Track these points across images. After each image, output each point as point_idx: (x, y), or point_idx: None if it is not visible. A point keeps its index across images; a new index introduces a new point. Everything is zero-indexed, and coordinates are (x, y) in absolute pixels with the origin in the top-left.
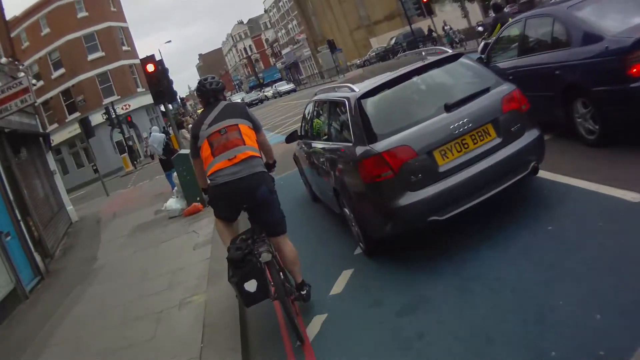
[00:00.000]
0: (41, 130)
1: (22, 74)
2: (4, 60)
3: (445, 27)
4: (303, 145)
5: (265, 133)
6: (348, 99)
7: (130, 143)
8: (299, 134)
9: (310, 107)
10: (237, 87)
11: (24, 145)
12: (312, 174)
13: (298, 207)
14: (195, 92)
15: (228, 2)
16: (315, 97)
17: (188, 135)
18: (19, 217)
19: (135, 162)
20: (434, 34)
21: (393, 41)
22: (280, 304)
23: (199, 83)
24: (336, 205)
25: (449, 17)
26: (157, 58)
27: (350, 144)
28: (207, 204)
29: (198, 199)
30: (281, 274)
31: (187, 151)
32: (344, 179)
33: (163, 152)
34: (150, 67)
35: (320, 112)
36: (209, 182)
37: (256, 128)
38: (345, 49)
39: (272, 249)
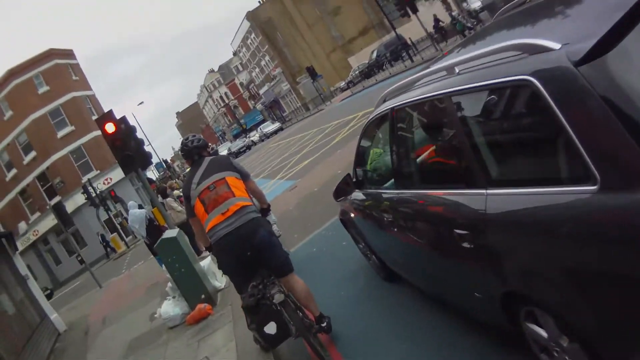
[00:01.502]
0: (1, 230)
1: None
2: None
3: (453, 13)
4: (365, 199)
5: (266, 182)
6: (544, 72)
7: (120, 220)
8: (355, 179)
9: (377, 129)
10: (220, 138)
11: None
12: (395, 245)
13: (365, 299)
14: (180, 151)
15: (193, 54)
16: (390, 104)
17: (175, 204)
18: None
19: (126, 240)
20: (442, 23)
21: (374, 54)
22: (304, 340)
23: (181, 144)
24: (500, 319)
25: (429, 15)
26: (134, 125)
27: (588, 188)
28: (219, 268)
29: (203, 296)
30: (298, 311)
31: (172, 233)
32: (566, 268)
33: (147, 232)
34: (109, 127)
35: (418, 129)
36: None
37: (244, 177)
38: (325, 74)
39: (283, 289)
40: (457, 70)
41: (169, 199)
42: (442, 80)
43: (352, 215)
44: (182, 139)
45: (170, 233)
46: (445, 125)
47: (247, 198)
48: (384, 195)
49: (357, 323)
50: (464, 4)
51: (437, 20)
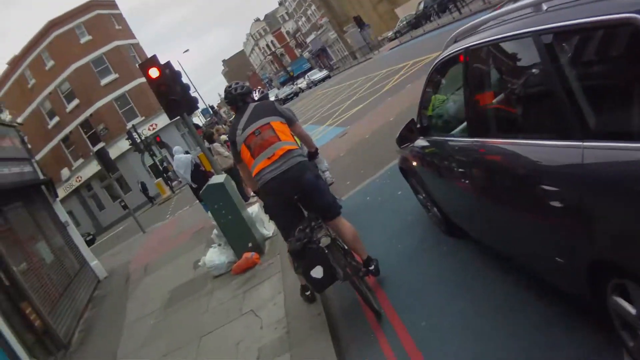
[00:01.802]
0: (41, 177)
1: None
2: None
3: None
4: (431, 146)
5: (316, 127)
6: None
7: (165, 164)
8: (420, 124)
9: (446, 72)
10: (267, 85)
11: (16, 201)
12: (463, 197)
13: (421, 251)
14: (224, 99)
15: (237, 4)
16: (463, 44)
17: (222, 149)
18: (1, 314)
19: (172, 185)
20: None
21: (421, 6)
22: (351, 284)
23: (224, 91)
24: (581, 289)
25: None
26: (179, 70)
27: None
28: (265, 213)
29: (250, 244)
30: (345, 254)
31: (219, 179)
32: None
33: (192, 177)
34: (153, 73)
35: (497, 72)
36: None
37: (289, 121)
38: (372, 24)
39: (330, 232)
40: (544, 7)
41: (216, 144)
42: (527, 17)
43: (414, 163)
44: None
45: (217, 179)
46: (531, 68)
47: (292, 142)
48: (454, 144)
49: (410, 275)
50: None
51: None
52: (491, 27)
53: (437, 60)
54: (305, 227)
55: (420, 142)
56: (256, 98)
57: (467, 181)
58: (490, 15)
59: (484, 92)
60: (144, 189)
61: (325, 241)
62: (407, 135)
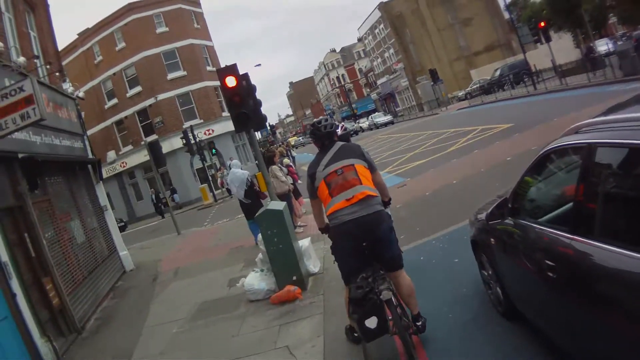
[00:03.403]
0: (90, 156)
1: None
2: (20, 59)
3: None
4: (518, 231)
5: None
6: None
7: (213, 172)
8: (511, 204)
9: (557, 160)
10: (329, 117)
11: (60, 174)
12: (542, 290)
13: (474, 325)
14: (309, 133)
15: (312, 30)
16: (589, 138)
17: (279, 174)
18: (21, 284)
19: (215, 194)
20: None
21: (498, 72)
22: (400, 338)
23: (312, 126)
24: None
25: (556, 47)
26: (255, 86)
27: None
28: (332, 253)
29: (294, 277)
30: (398, 309)
31: (278, 206)
32: None
33: (245, 194)
34: (230, 81)
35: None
36: (327, 221)
37: (371, 168)
38: (445, 79)
39: (392, 286)
40: None
41: (274, 167)
42: None
43: (492, 240)
44: (314, 120)
45: (277, 205)
46: None
47: (373, 188)
48: (546, 234)
49: (459, 346)
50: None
51: (589, 48)
52: (632, 128)
53: (552, 146)
54: (369, 277)
55: (507, 222)
56: (338, 133)
57: (552, 275)
58: (632, 115)
59: (605, 192)
60: (157, 199)
61: (386, 295)
62: (497, 214)
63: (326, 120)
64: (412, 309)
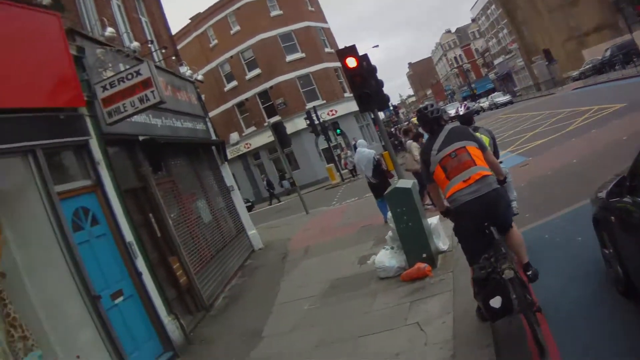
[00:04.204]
0: (213, 138)
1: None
2: (134, 44)
3: None
4: (635, 206)
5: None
6: None
7: (338, 152)
8: (630, 182)
9: None
10: (449, 97)
11: (183, 156)
12: None
13: (596, 303)
14: (417, 120)
15: (427, 10)
16: None
17: (415, 152)
18: (147, 263)
19: (342, 173)
20: None
21: (608, 52)
22: (524, 317)
23: (419, 112)
24: None
25: None
26: (376, 67)
27: None
28: (455, 235)
29: (424, 255)
30: (521, 287)
31: (407, 184)
32: None
33: (373, 173)
34: (351, 62)
35: None
36: (447, 204)
37: (482, 148)
38: (558, 60)
39: (513, 265)
40: None
41: (413, 143)
42: None
43: (612, 218)
44: (420, 106)
45: (405, 183)
46: None
47: (487, 168)
48: None
49: (581, 324)
50: None
51: None
52: None
53: None
54: (491, 256)
55: (626, 200)
56: (461, 113)
57: None
58: None
59: None
60: (270, 186)
61: (508, 274)
62: (616, 192)
63: (432, 105)
64: (522, 258)
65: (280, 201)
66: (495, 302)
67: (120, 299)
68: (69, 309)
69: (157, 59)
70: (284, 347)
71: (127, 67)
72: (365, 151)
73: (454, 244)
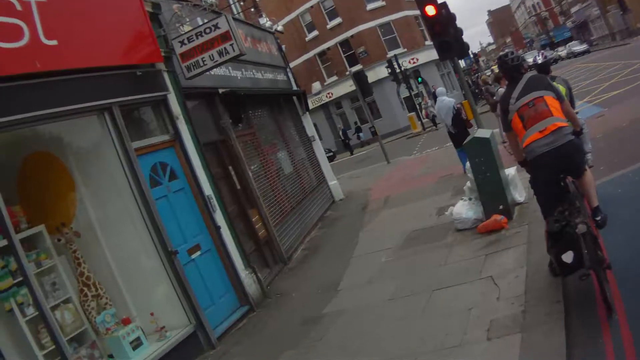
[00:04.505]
0: (294, 88)
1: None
2: None
3: None
4: None
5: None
6: None
7: (419, 101)
8: None
9: None
10: (528, 45)
11: (264, 107)
12: None
13: None
14: (498, 67)
15: None
16: None
17: None
18: (225, 217)
19: (423, 122)
20: None
21: None
22: (594, 273)
23: (499, 59)
24: None
25: None
26: (455, 15)
27: None
28: (531, 187)
29: (501, 207)
30: (595, 244)
31: (485, 133)
32: None
33: (452, 123)
34: (430, 10)
35: None
36: (524, 155)
37: (559, 98)
38: (634, 9)
39: (587, 219)
40: None
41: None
42: None
43: None
44: (500, 54)
45: (484, 133)
46: None
47: (564, 119)
48: None
49: None
50: None
51: None
52: None
53: None
54: (565, 210)
55: None
56: (539, 62)
57: None
58: None
59: None
60: (345, 136)
61: (581, 228)
62: None
63: (512, 53)
64: (592, 200)
65: (352, 153)
66: (568, 256)
67: (197, 253)
68: (145, 265)
69: (235, 12)
70: (358, 301)
71: (205, 21)
72: (445, 99)
73: (530, 196)
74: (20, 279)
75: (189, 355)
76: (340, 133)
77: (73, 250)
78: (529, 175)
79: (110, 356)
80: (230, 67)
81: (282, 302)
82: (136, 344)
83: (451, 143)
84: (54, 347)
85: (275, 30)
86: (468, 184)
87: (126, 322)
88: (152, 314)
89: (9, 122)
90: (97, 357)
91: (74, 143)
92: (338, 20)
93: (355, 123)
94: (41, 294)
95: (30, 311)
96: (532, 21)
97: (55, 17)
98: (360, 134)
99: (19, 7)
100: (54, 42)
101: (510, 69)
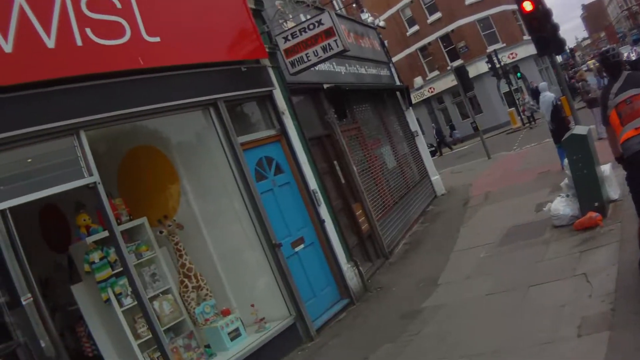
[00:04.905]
0: (397, 83)
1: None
2: None
3: None
4: None
5: None
6: None
7: (519, 96)
8: None
9: None
10: (621, 39)
11: (368, 102)
12: None
13: None
14: (599, 62)
15: None
16: None
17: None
18: (330, 211)
19: (522, 118)
20: None
21: None
22: None
23: (601, 55)
24: None
25: None
26: (551, 10)
27: None
28: (627, 184)
29: (596, 204)
30: None
31: (583, 130)
32: None
33: (551, 118)
34: (527, 6)
35: None
36: (621, 151)
37: None
38: None
39: None
40: None
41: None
42: None
43: None
44: (602, 49)
45: (581, 130)
46: None
47: None
48: None
49: None
50: None
51: None
52: None
53: None
54: None
55: None
56: (633, 59)
57: None
58: None
59: None
60: (439, 135)
61: None
62: None
63: (613, 49)
64: None
65: (441, 154)
66: None
67: (301, 246)
68: (248, 258)
69: (337, 7)
70: (457, 296)
71: (308, 17)
72: (547, 94)
73: (625, 193)
74: (120, 269)
75: (287, 346)
76: (434, 133)
77: (175, 242)
78: (623, 172)
79: (207, 346)
80: (334, 63)
81: (382, 295)
82: (234, 334)
83: (550, 139)
84: (149, 336)
85: (377, 25)
86: (566, 180)
87: (226, 313)
88: (252, 306)
89: (114, 116)
90: (194, 347)
91: (178, 137)
92: (438, 15)
93: (449, 122)
94: (140, 284)
95: (128, 301)
96: (624, 15)
97: (157, 15)
98: (455, 132)
99: (119, 6)
100: (156, 39)
101: (611, 65)
